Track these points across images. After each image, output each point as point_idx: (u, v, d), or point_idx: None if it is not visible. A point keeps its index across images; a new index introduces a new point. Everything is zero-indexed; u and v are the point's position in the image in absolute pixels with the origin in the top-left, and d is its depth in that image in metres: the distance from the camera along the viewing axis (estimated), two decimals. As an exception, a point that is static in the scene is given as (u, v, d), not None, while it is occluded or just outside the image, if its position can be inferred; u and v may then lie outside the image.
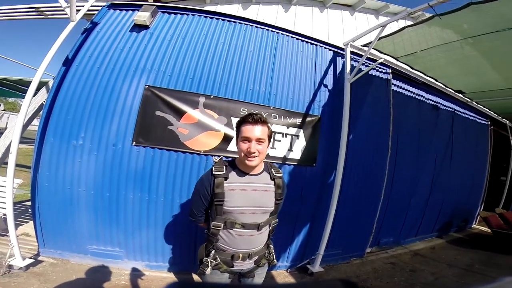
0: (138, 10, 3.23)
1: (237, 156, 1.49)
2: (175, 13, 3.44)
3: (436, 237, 5.34)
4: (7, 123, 17.84)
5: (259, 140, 1.36)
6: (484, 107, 5.70)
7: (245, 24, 3.55)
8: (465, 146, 5.70)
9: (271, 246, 1.62)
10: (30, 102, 2.68)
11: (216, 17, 3.50)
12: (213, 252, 1.46)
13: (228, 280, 1.50)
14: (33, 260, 2.75)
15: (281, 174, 1.55)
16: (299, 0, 4.39)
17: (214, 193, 1.40)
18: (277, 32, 3.64)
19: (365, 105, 3.86)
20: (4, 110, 20.84)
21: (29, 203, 3.34)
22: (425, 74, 4.03)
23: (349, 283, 0.45)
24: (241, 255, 1.45)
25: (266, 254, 1.58)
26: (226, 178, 1.41)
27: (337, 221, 3.49)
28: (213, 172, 1.42)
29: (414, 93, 4.68)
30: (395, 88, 4.31)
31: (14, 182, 2.67)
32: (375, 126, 3.95)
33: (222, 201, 1.39)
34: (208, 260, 1.44)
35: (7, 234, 2.64)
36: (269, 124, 1.45)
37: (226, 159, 1.55)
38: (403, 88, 4.51)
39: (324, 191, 3.47)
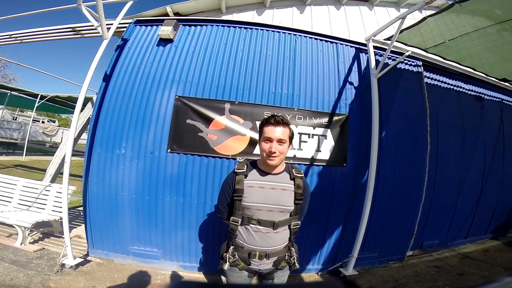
0: (161, 25, 3.47)
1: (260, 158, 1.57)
2: (195, 25, 3.64)
3: (490, 238, 4.82)
4: (62, 138, 19.75)
5: (280, 141, 1.43)
6: (537, 94, 5.06)
7: (261, 29, 3.65)
8: (519, 138, 5.09)
9: (293, 249, 1.60)
10: (79, 117, 3.03)
11: (233, 25, 3.65)
12: (232, 248, 1.53)
13: (247, 279, 1.54)
14: (82, 259, 3.04)
15: (302, 175, 1.57)
16: (313, 0, 4.37)
17: (235, 189, 1.49)
18: (294, 34, 3.67)
19: (396, 100, 3.70)
20: (58, 126, 23.02)
21: (81, 208, 3.73)
22: (460, 64, 3.74)
23: (350, 283, 0.45)
24: (257, 253, 1.48)
25: (286, 256, 1.57)
26: (246, 176, 1.50)
27: (373, 222, 3.36)
28: (235, 170, 1.53)
29: (452, 85, 4.34)
30: (428, 81, 4.06)
31: (69, 188, 3.02)
32: (410, 122, 3.74)
33: (241, 196, 1.47)
34: (227, 256, 1.51)
35: (63, 236, 2.98)
36: (290, 126, 1.51)
37: (249, 160, 1.63)
38: (438, 80, 4.22)
39: (356, 191, 3.36)
